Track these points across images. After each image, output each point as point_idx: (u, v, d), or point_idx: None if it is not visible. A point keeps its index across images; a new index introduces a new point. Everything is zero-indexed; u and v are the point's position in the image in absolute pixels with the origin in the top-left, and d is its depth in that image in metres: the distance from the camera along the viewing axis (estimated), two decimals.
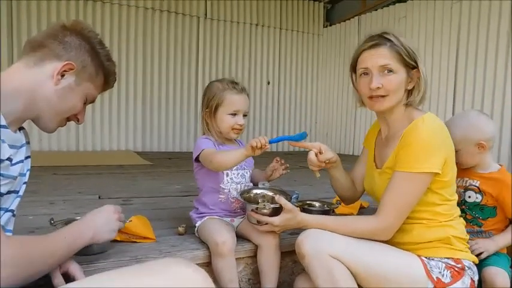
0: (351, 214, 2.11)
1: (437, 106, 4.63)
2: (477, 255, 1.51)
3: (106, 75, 1.25)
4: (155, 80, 5.54)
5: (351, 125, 6.08)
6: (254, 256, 1.59)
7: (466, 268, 1.31)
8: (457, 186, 1.44)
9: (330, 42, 6.58)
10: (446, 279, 1.27)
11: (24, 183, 1.20)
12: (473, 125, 1.63)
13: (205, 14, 5.79)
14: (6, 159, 1.00)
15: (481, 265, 1.53)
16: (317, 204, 1.96)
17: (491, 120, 1.70)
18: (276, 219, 1.43)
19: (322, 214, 1.81)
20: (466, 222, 1.53)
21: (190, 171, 1.68)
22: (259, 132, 6.23)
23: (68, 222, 1.42)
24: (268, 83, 6.34)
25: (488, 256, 1.59)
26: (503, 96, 4.10)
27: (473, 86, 4.40)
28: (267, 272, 1.52)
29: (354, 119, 6.01)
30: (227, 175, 1.62)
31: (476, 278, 1.35)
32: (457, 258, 1.32)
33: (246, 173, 1.69)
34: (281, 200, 1.44)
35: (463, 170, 1.66)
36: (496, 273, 1.53)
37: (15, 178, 1.08)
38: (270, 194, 1.60)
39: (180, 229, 1.69)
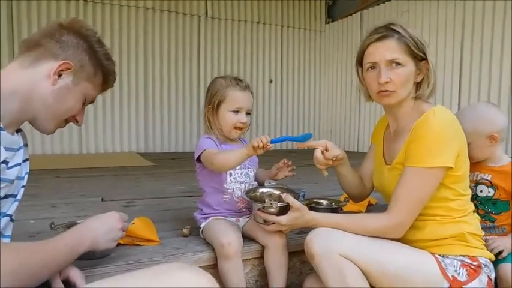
0: (359, 212, 2.07)
1: (442, 101, 4.57)
2: (496, 254, 1.46)
3: (105, 74, 1.21)
4: (157, 80, 5.50)
5: (355, 121, 6.01)
6: (261, 257, 1.55)
7: (483, 266, 1.26)
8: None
9: (332, 39, 6.52)
10: (463, 278, 1.22)
11: (23, 186, 1.16)
12: (483, 117, 1.58)
13: (206, 13, 5.75)
14: (2, 162, 0.97)
15: (495, 262, 1.48)
16: (324, 202, 1.91)
17: (500, 111, 1.65)
18: (283, 218, 1.39)
19: (330, 212, 1.77)
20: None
21: (194, 172, 1.64)
22: (262, 131, 6.19)
23: (69, 226, 1.38)
24: (271, 81, 6.29)
25: None
26: (509, 90, 4.04)
27: (479, 80, 4.34)
28: (275, 273, 1.48)
29: (358, 115, 5.95)
30: (230, 175, 1.58)
31: (493, 276, 1.30)
32: (473, 256, 1.27)
33: (250, 172, 1.65)
34: (288, 198, 1.39)
35: (474, 164, 1.61)
36: None
37: (12, 182, 1.04)
38: (277, 192, 1.56)
39: (185, 231, 1.65)
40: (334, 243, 1.28)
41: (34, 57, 1.08)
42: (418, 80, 1.34)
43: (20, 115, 1.08)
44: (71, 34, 1.12)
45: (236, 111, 1.56)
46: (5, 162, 0.99)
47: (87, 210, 2.05)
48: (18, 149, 1.11)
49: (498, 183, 1.59)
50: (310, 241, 1.31)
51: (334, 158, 1.49)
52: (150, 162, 4.25)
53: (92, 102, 1.25)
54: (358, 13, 5.99)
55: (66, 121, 1.22)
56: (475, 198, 1.63)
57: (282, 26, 6.29)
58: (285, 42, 6.33)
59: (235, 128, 1.58)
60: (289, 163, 1.64)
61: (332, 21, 6.60)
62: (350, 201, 2.10)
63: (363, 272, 1.24)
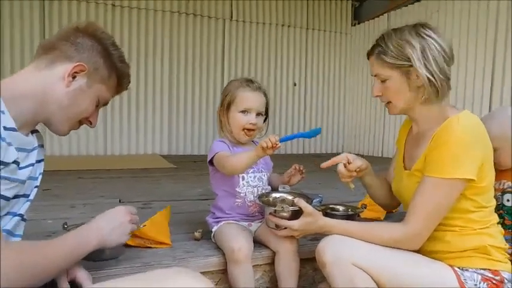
0: (378, 219, 2.00)
1: (472, 106, 4.40)
2: None
3: (119, 77, 1.21)
4: (181, 83, 5.56)
5: (380, 125, 5.87)
6: (272, 263, 1.52)
7: (506, 281, 1.18)
8: (494, 190, 1.32)
9: (358, 41, 6.41)
10: None
11: (36, 187, 1.17)
12: None
13: (231, 16, 5.76)
14: (13, 163, 0.98)
15: None
16: (341, 208, 1.85)
17: None
18: (295, 223, 1.36)
19: (346, 219, 1.70)
20: (504, 228, 1.39)
21: None
22: (285, 134, 6.13)
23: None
24: (295, 84, 6.24)
25: None
26: None
27: None
28: (285, 279, 1.44)
29: (383, 120, 5.81)
30: (243, 178, 1.55)
31: None
32: (495, 270, 1.19)
33: (264, 176, 1.62)
34: (300, 202, 1.35)
35: (501, 172, 1.52)
36: None
37: (23, 182, 1.05)
38: (290, 197, 1.52)
39: (197, 234, 1.64)
40: (346, 251, 1.24)
41: (50, 59, 1.10)
42: (418, 84, 1.24)
43: (35, 116, 1.10)
44: (86, 37, 1.13)
45: (245, 112, 1.53)
46: (16, 162, 1.00)
47: (103, 211, 2.06)
48: (32, 150, 1.13)
49: None
50: (321, 248, 1.27)
51: (358, 169, 1.46)
52: (172, 165, 4.29)
53: (105, 104, 1.26)
54: (386, 15, 5.86)
55: (80, 123, 1.22)
56: (501, 208, 1.54)
57: (307, 29, 6.23)
58: (309, 44, 6.27)
59: (245, 129, 1.55)
60: (301, 168, 1.60)
61: (358, 23, 6.49)
62: (368, 207, 2.04)
63: (375, 282, 1.19)
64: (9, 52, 4.66)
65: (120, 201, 2.39)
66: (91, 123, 1.25)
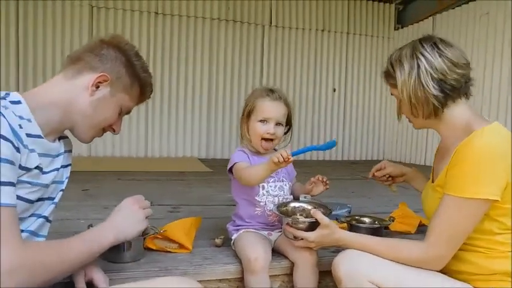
0: (408, 233, 1.91)
1: None
2: None
3: (142, 86, 1.26)
4: (220, 88, 5.65)
5: (422, 132, 5.62)
6: (291, 274, 1.49)
7: None
8: None
9: (401, 46, 6.19)
10: None
11: (61, 190, 1.22)
12: None
13: (270, 22, 5.79)
14: (35, 168, 1.03)
15: None
16: (367, 220, 1.80)
17: None
18: (311, 235, 1.33)
19: (371, 231, 1.65)
20: None
21: None
22: (324, 141, 6.06)
23: None
24: (334, 90, 6.15)
25: None
26: None
27: None
28: None
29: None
30: (263, 188, 1.54)
31: None
32: None
33: (285, 185, 1.60)
34: (317, 214, 1.32)
35: None
36: None
37: (46, 186, 1.11)
38: (310, 207, 1.49)
39: (217, 241, 1.65)
40: (363, 267, 1.20)
41: (76, 70, 1.16)
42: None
43: (61, 124, 1.16)
44: (110, 48, 1.19)
45: (264, 121, 1.53)
46: (39, 168, 1.05)
47: None
48: (58, 155, 1.19)
49: None
50: (337, 263, 1.24)
51: (388, 175, 1.60)
52: (208, 169, 4.35)
53: (128, 112, 1.30)
54: (431, 18, 5.64)
55: (104, 130, 1.27)
56: None
57: (347, 33, 6.13)
58: (350, 49, 6.16)
59: (263, 139, 1.54)
60: (324, 179, 1.56)
61: (402, 27, 6.29)
62: (399, 220, 1.97)
63: None
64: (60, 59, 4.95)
65: (151, 203, 2.44)
66: (114, 131, 1.29)
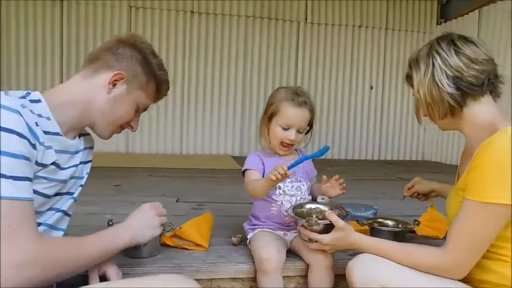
0: (436, 237, 1.82)
1: None
2: None
3: (158, 83, 1.28)
4: (254, 86, 5.65)
5: None
6: (307, 276, 1.46)
7: None
8: None
9: None
10: None
11: (81, 185, 1.27)
12: None
13: (306, 19, 5.72)
14: (51, 164, 1.07)
15: None
16: (390, 223, 1.73)
17: None
18: (325, 237, 1.30)
19: (393, 235, 1.59)
20: None
21: None
22: (360, 140, 5.93)
23: None
24: (371, 87, 5.98)
25: None
26: None
27: None
28: None
29: None
30: (279, 187, 1.53)
31: None
32: None
33: (303, 185, 1.57)
34: (331, 216, 1.29)
35: None
36: None
37: (63, 181, 1.15)
38: (326, 209, 1.46)
39: (234, 239, 1.65)
40: (377, 272, 1.16)
41: (94, 69, 1.20)
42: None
43: (80, 121, 1.20)
44: (126, 47, 1.22)
45: (286, 128, 1.51)
46: (55, 164, 1.09)
47: None
48: (77, 152, 1.23)
49: None
50: (350, 267, 1.22)
51: (416, 194, 1.72)
52: (239, 166, 4.35)
53: (145, 110, 1.33)
54: (476, 11, 5.34)
55: (122, 127, 1.30)
56: None
57: (386, 29, 5.94)
58: (388, 46, 5.96)
59: (282, 143, 1.53)
60: (340, 181, 1.52)
61: (445, 22, 6.01)
62: (426, 224, 1.88)
63: None
64: None
65: (177, 200, 2.50)
66: (132, 128, 1.32)
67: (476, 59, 1.11)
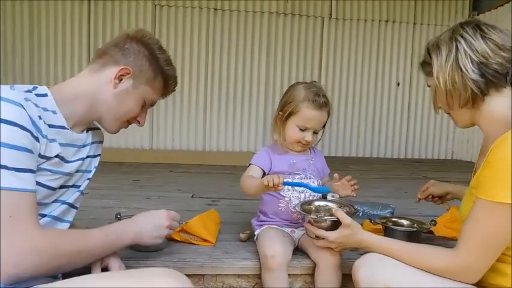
0: (453, 238, 1.74)
1: None
2: None
3: (165, 79, 1.28)
4: (277, 83, 5.60)
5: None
6: (314, 274, 1.43)
7: None
8: None
9: None
10: None
11: (88, 179, 1.28)
12: None
13: (330, 14, 5.61)
14: (55, 157, 1.09)
15: None
16: (405, 222, 1.66)
17: None
18: (331, 234, 1.26)
19: (407, 235, 1.53)
20: None
21: None
22: (385, 139, 5.78)
23: None
24: (398, 84, 5.81)
25: None
26: None
27: None
28: None
29: None
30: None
31: None
32: None
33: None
34: (338, 213, 1.26)
35: None
36: None
37: (68, 174, 1.16)
38: (335, 206, 1.42)
39: (242, 236, 1.63)
40: (383, 272, 1.11)
41: (101, 64, 1.21)
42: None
43: (87, 115, 1.21)
44: (133, 42, 1.22)
45: (303, 129, 1.48)
46: (59, 156, 1.10)
47: (172, 204, 2.20)
48: (84, 146, 1.24)
49: None
50: (356, 266, 1.18)
51: (433, 196, 1.70)
52: None
53: (152, 105, 1.33)
54: (511, 2, 5.09)
55: (129, 122, 1.31)
56: None
57: (414, 24, 5.74)
58: (416, 41, 5.77)
59: (298, 142, 1.51)
60: (352, 182, 1.47)
61: (478, 14, 5.76)
62: (445, 224, 1.81)
63: None
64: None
65: (192, 196, 2.51)
66: (139, 123, 1.32)
67: (503, 45, 1.05)
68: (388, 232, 1.56)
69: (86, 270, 1.10)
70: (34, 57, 5.14)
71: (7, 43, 5.07)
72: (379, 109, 5.79)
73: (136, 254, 1.40)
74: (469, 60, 1.06)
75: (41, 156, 1.03)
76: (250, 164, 1.53)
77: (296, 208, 1.41)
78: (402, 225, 1.64)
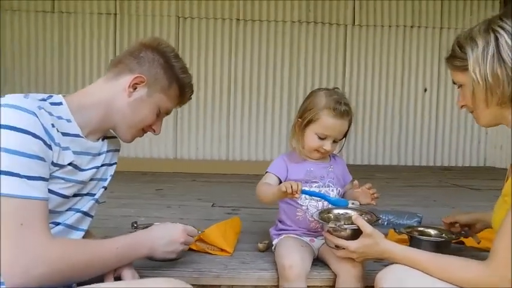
0: (487, 249, 1.63)
1: None
2: None
3: (181, 87, 1.27)
4: (300, 91, 5.55)
5: None
6: (334, 286, 1.37)
7: None
8: None
9: None
10: None
11: (103, 187, 1.28)
12: None
13: (353, 21, 5.54)
14: (68, 165, 1.08)
15: None
16: (433, 232, 1.58)
17: None
18: (352, 244, 1.21)
19: (435, 245, 1.44)
20: None
21: None
22: (413, 146, 5.61)
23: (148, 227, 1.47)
24: (425, 90, 5.65)
25: None
26: None
27: None
28: None
29: None
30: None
31: None
32: None
33: (332, 190, 1.48)
34: (359, 220, 1.20)
35: None
36: None
37: (82, 182, 1.16)
38: (356, 214, 1.35)
39: (260, 245, 1.59)
40: (408, 285, 1.04)
41: (116, 72, 1.21)
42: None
43: (102, 124, 1.21)
44: (148, 51, 1.23)
45: (322, 138, 1.44)
46: (73, 164, 1.10)
47: (192, 213, 2.18)
48: (99, 154, 1.24)
49: None
50: (379, 279, 1.12)
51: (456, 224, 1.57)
52: None
53: (168, 113, 1.32)
54: None
55: (144, 131, 1.31)
56: None
57: (441, 28, 5.59)
58: (444, 45, 5.58)
59: (316, 150, 1.47)
60: (371, 191, 1.40)
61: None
62: (480, 235, 1.70)
63: None
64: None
65: (213, 205, 2.48)
66: (155, 131, 1.32)
67: None
68: (414, 242, 1.48)
69: (98, 278, 1.09)
70: (63, 70, 5.30)
71: (38, 57, 5.25)
72: (405, 116, 5.64)
73: (151, 263, 1.38)
74: None
75: (53, 164, 1.03)
76: (266, 172, 1.49)
77: (314, 217, 1.36)
78: (429, 235, 1.55)
